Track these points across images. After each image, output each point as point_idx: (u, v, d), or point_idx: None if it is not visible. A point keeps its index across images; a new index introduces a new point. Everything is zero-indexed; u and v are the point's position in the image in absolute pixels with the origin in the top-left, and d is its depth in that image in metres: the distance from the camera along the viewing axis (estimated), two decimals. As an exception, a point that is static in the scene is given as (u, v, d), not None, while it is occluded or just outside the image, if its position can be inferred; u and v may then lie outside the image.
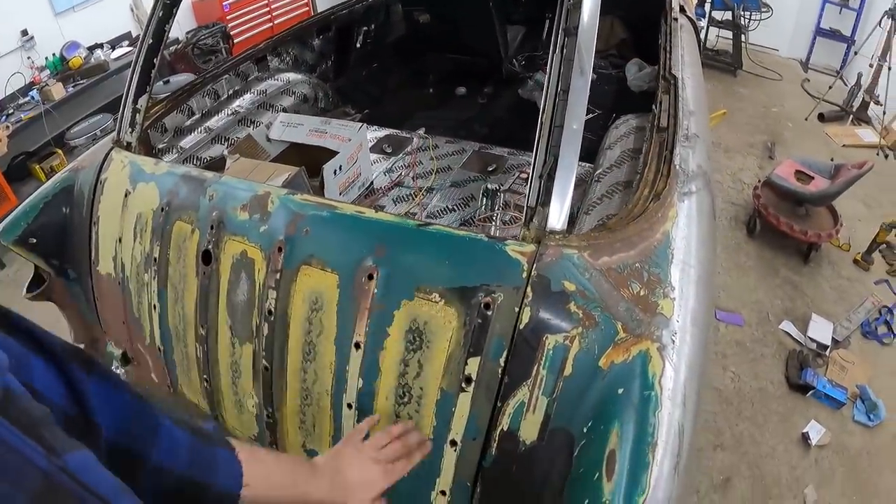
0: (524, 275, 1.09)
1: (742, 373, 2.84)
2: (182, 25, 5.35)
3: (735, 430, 2.61)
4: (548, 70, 1.20)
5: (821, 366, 2.90)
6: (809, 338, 3.02)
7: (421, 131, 2.52)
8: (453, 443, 1.17)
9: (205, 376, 1.54)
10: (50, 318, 1.88)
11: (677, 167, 1.44)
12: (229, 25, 5.52)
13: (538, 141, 1.15)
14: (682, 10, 2.63)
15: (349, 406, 1.26)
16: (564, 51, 1.18)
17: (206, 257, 1.46)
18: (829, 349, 2.97)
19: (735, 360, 2.90)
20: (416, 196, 2.02)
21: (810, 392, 2.73)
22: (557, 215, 1.12)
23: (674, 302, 1.12)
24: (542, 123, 1.16)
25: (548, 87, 1.18)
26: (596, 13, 1.22)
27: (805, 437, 2.56)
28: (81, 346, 2.02)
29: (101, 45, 4.80)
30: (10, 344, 0.55)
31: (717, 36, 5.79)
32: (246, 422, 1.49)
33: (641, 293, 1.11)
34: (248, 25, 5.87)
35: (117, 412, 0.64)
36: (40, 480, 0.39)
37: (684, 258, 1.21)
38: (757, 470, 2.46)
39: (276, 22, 6.09)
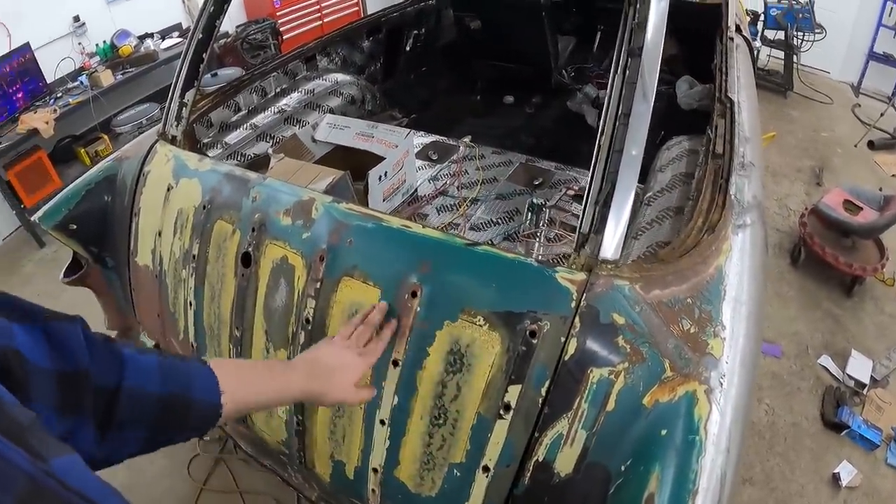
0: (573, 304, 1.05)
1: (777, 406, 2.75)
2: (233, 19, 5.39)
3: (766, 465, 2.53)
4: (608, 91, 1.16)
5: (857, 404, 2.80)
6: (848, 374, 2.91)
7: (467, 139, 2.49)
8: (486, 469, 1.14)
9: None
10: (80, 302, 1.91)
11: (732, 197, 1.38)
12: (279, 22, 5.54)
13: (595, 165, 1.11)
14: (738, 29, 2.56)
15: (382, 422, 1.24)
16: (627, 72, 1.14)
17: (246, 259, 1.46)
18: (866, 388, 2.87)
19: (771, 392, 2.81)
20: (460, 206, 1.99)
21: (845, 431, 2.64)
22: (611, 244, 1.08)
23: (724, 342, 1.07)
24: (599, 146, 1.12)
25: (607, 110, 1.14)
26: (661, 34, 1.18)
27: (836, 478, 2.47)
28: (114, 333, 2.04)
29: (151, 35, 4.87)
30: None
31: (769, 56, 5.64)
32: (275, 427, 1.48)
33: (692, 331, 1.07)
34: (297, 23, 5.89)
35: (94, 353, 0.66)
36: (26, 484, 0.39)
37: (736, 295, 1.16)
38: (785, 508, 2.38)
39: (325, 21, 6.11)
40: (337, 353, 1.07)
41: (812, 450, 2.60)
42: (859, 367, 2.94)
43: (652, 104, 1.13)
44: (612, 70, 1.18)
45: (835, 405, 2.74)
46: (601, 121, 1.15)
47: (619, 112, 1.12)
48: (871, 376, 2.91)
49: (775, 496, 2.41)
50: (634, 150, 1.09)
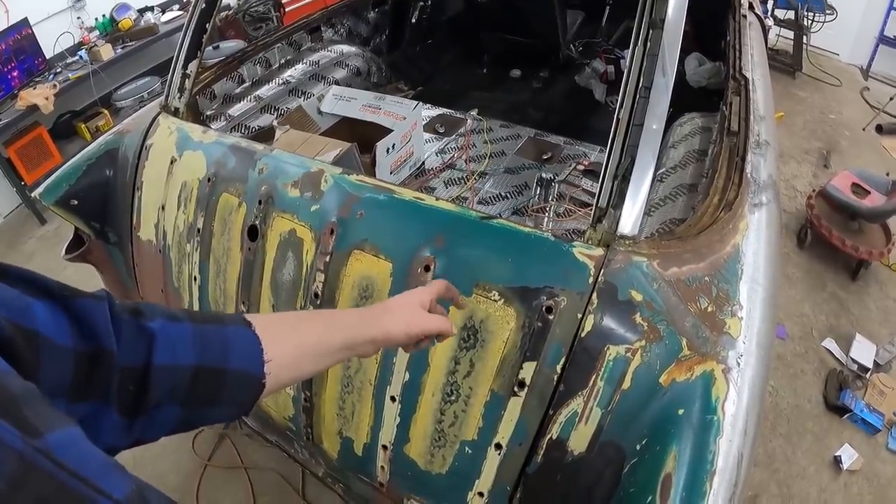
0: (590, 280, 1.03)
1: (781, 387, 2.75)
2: (235, -8, 5.29)
3: (768, 447, 2.54)
4: (628, 63, 1.13)
5: (860, 388, 2.80)
6: (851, 358, 2.91)
7: (474, 112, 2.45)
8: (498, 446, 1.13)
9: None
10: (82, 278, 1.88)
11: (748, 175, 1.36)
12: (281, -6, 5.44)
13: (614, 138, 1.08)
14: (750, 6, 2.51)
15: (392, 399, 1.23)
16: (648, 45, 1.10)
17: (252, 233, 1.43)
18: (870, 372, 2.87)
19: (774, 373, 2.81)
20: (468, 180, 1.96)
21: (847, 415, 2.65)
22: (629, 219, 1.06)
23: (741, 322, 1.05)
24: (618, 120, 1.09)
25: (627, 82, 1.11)
26: (684, 5, 1.14)
27: (837, 461, 2.48)
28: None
29: (151, 9, 4.79)
30: (7, 293, 0.53)
31: (778, 35, 5.56)
32: (282, 403, 1.47)
33: (709, 309, 1.05)
34: (300, -5, 5.78)
35: (121, 334, 0.61)
36: (16, 463, 0.36)
37: (753, 275, 1.14)
38: (786, 489, 2.39)
39: (328, -7, 6.00)
40: (395, 297, 0.91)
41: (814, 432, 2.61)
42: (863, 351, 2.94)
43: (673, 78, 1.10)
44: (632, 42, 1.15)
45: (837, 388, 2.74)
46: (620, 93, 1.11)
47: (640, 85, 1.08)
48: (875, 361, 2.92)
49: (777, 478, 2.42)
50: (655, 124, 1.06)
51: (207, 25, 1.79)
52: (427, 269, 1.14)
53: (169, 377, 0.64)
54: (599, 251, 1.05)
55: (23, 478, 0.36)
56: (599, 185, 1.09)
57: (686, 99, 2.14)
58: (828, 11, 5.10)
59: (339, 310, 0.95)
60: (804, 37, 5.22)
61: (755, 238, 1.22)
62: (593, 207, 1.10)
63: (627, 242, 1.06)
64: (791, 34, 5.33)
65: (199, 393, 0.67)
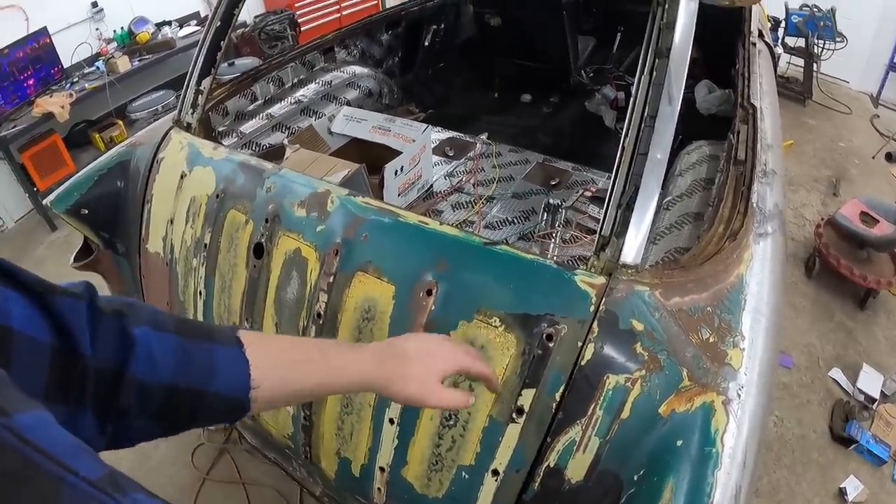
0: (592, 308, 1.03)
1: (786, 417, 2.72)
2: (251, 10, 5.38)
3: (772, 477, 2.50)
4: (634, 92, 1.14)
5: (866, 419, 2.77)
6: (858, 388, 2.88)
7: (483, 136, 2.47)
8: (495, 472, 1.12)
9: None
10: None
11: (754, 205, 1.36)
12: (297, 13, 5.52)
13: (619, 166, 1.09)
14: (760, 34, 2.53)
15: (391, 421, 1.22)
16: (654, 73, 1.11)
17: (258, 250, 1.44)
18: (876, 402, 2.83)
19: (780, 403, 2.78)
20: (475, 204, 1.97)
21: (853, 446, 2.61)
22: (632, 248, 1.06)
23: (743, 353, 1.05)
24: (623, 148, 1.10)
25: (633, 111, 1.12)
26: (690, 35, 1.15)
27: (842, 492, 2.44)
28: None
29: (168, 23, 4.87)
30: None
31: (789, 63, 5.58)
32: (281, 421, 1.47)
33: (710, 340, 1.05)
34: (315, 14, 5.88)
35: (97, 336, 0.58)
36: None
37: (756, 305, 1.14)
38: (790, 521, 2.36)
39: (343, 13, 6.10)
40: (425, 339, 0.86)
41: (819, 463, 2.57)
42: (870, 382, 2.91)
43: (678, 107, 1.10)
44: (638, 70, 1.16)
45: (844, 419, 2.71)
46: (626, 122, 1.12)
47: (645, 114, 1.09)
48: (882, 391, 2.88)
49: (780, 509, 2.39)
50: (659, 153, 1.07)
51: (222, 43, 1.82)
52: (429, 293, 1.15)
53: (142, 391, 0.61)
54: (601, 280, 1.06)
55: None
56: (603, 213, 1.10)
57: (696, 126, 2.15)
58: (838, 39, 5.11)
59: (346, 348, 0.84)
60: (814, 64, 5.23)
61: (759, 268, 1.21)
62: (597, 235, 1.10)
63: (630, 271, 1.06)
64: (801, 62, 5.34)
65: (174, 409, 0.65)
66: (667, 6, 1.15)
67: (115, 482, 0.40)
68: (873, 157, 4.68)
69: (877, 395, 2.85)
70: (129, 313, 0.63)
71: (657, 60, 1.13)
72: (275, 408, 0.71)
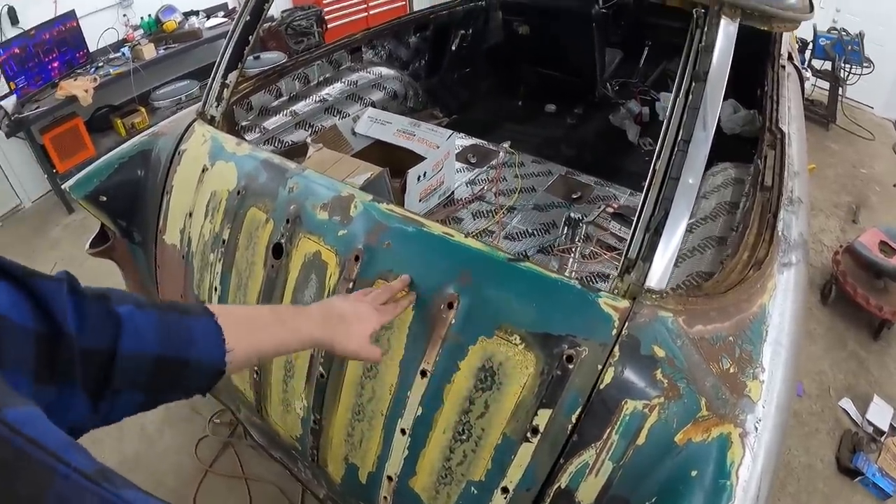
0: (614, 332, 1.02)
1: (794, 446, 2.69)
2: (279, 4, 5.38)
3: (776, 505, 2.48)
4: (668, 115, 1.12)
5: (874, 451, 2.73)
6: (867, 420, 2.84)
7: (506, 144, 2.46)
8: (505, 490, 1.11)
9: (255, 367, 1.51)
10: (103, 273, 1.88)
11: (780, 234, 1.34)
12: (324, 10, 5.52)
13: (649, 189, 1.07)
14: (790, 57, 2.50)
15: (403, 431, 1.21)
16: (690, 97, 1.10)
17: (277, 250, 1.44)
18: (885, 435, 2.80)
19: (789, 431, 2.74)
20: (496, 214, 1.96)
21: (858, 478, 2.58)
22: (657, 273, 1.05)
23: (762, 385, 1.04)
24: (655, 170, 1.08)
25: (666, 134, 1.10)
26: (728, 59, 1.14)
27: (845, 525, 2.42)
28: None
29: (196, 13, 4.89)
30: None
31: (814, 86, 5.53)
32: (290, 422, 1.46)
33: (731, 370, 1.03)
34: (343, 13, 5.87)
35: (84, 318, 0.61)
36: None
37: (777, 337, 1.12)
38: (793, 551, 2.33)
39: (370, 13, 6.09)
40: (352, 303, 1.04)
41: (824, 493, 2.54)
42: (879, 414, 2.87)
43: (713, 133, 1.09)
44: (672, 93, 1.14)
45: (851, 451, 2.68)
46: (658, 144, 1.11)
47: (679, 138, 1.08)
48: (891, 424, 2.84)
49: (784, 538, 2.36)
50: (691, 178, 1.05)
51: (250, 38, 1.82)
52: (450, 306, 1.13)
53: (133, 364, 0.65)
54: (625, 303, 1.04)
55: None
56: (630, 235, 1.08)
57: (719, 145, 2.12)
58: (865, 64, 5.06)
59: (295, 311, 1.01)
60: (840, 88, 5.18)
61: (782, 299, 1.20)
62: (622, 257, 1.09)
63: (654, 296, 1.05)
64: (827, 85, 5.29)
65: (161, 380, 0.70)
66: (706, 28, 1.14)
67: (108, 478, 0.41)
68: (894, 185, 4.63)
69: (885, 428, 2.81)
70: (110, 296, 0.67)
71: (693, 84, 1.11)
72: (240, 370, 0.89)
